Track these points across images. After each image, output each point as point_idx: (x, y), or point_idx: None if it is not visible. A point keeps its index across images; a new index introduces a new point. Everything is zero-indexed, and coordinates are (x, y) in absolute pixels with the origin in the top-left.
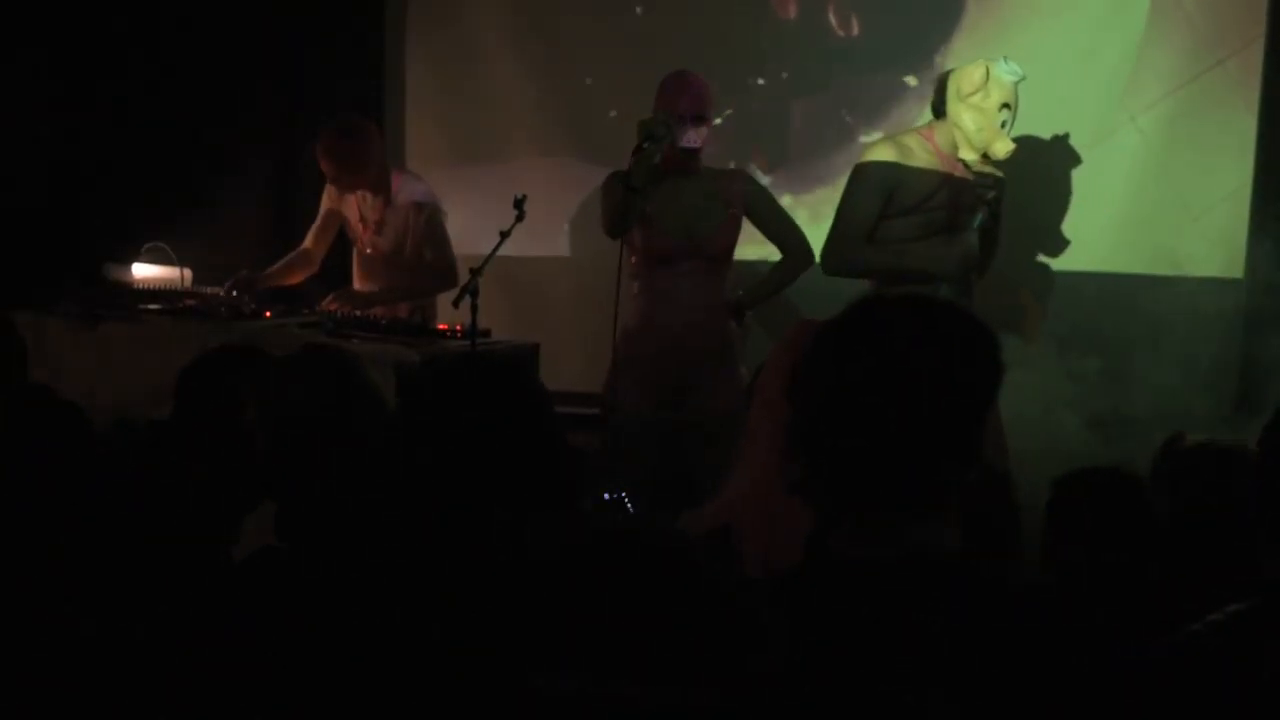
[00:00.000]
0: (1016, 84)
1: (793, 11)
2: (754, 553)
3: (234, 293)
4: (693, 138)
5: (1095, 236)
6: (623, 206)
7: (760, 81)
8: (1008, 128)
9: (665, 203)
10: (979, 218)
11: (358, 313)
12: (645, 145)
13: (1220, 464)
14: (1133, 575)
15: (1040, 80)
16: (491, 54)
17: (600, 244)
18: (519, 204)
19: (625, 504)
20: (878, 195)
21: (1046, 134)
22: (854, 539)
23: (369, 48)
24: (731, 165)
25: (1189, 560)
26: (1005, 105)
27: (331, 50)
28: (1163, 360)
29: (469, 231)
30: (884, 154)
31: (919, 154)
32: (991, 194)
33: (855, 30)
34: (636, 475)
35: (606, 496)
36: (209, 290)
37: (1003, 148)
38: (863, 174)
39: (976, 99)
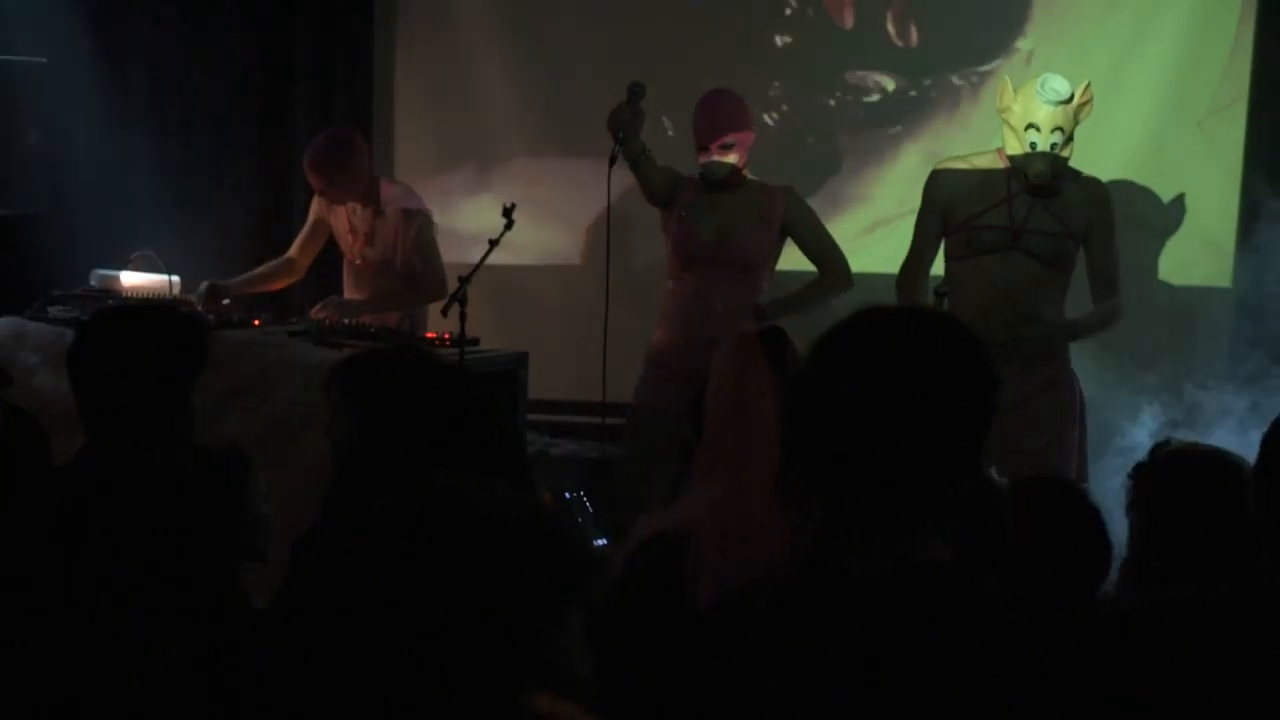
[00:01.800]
0: (1058, 104)
1: (849, 21)
2: (710, 568)
3: (201, 304)
4: (718, 157)
5: None
6: (645, 174)
7: (777, 92)
8: (1039, 149)
9: (701, 209)
10: (1053, 243)
11: (346, 321)
12: (619, 136)
13: (1198, 470)
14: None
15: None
16: (481, 62)
17: (591, 251)
18: (508, 213)
19: (584, 503)
20: (932, 214)
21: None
22: (849, 552)
23: (359, 56)
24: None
25: (1166, 567)
26: (1031, 125)
27: (322, 58)
28: (1150, 366)
29: (458, 239)
30: (939, 172)
31: (980, 171)
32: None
33: (914, 39)
34: (652, 473)
35: (566, 495)
36: (192, 298)
37: (1034, 170)
38: (923, 193)
39: (1006, 116)
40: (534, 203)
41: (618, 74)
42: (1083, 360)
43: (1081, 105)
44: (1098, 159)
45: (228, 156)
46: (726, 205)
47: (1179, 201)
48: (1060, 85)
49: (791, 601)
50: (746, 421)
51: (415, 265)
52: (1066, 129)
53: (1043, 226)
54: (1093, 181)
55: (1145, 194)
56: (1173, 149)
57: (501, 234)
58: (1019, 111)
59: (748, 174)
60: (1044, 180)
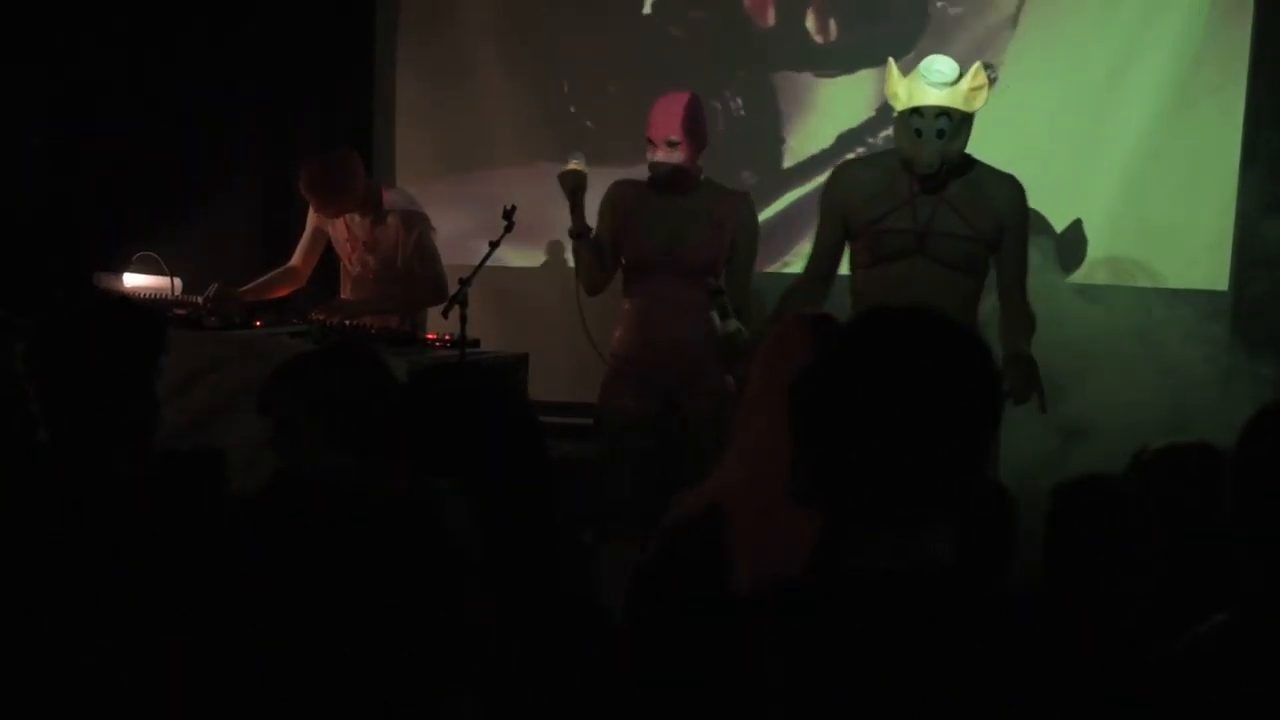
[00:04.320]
0: (944, 86)
1: (771, 19)
2: (744, 542)
3: (209, 306)
4: (655, 163)
5: (1083, 246)
6: (579, 257)
7: (740, 91)
8: (925, 137)
9: (651, 214)
10: (960, 247)
11: (347, 322)
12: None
13: (1189, 465)
14: (1128, 586)
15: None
16: (481, 65)
17: None
18: (508, 215)
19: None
20: (831, 220)
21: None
22: (859, 550)
23: (360, 59)
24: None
25: (1166, 568)
26: (916, 111)
27: (323, 61)
28: (1147, 371)
29: (459, 240)
30: (838, 172)
31: (880, 174)
32: None
33: (833, 34)
34: (630, 479)
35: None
36: (198, 299)
37: (919, 161)
38: (821, 197)
39: (894, 103)
40: (535, 204)
41: (615, 77)
42: (1078, 361)
43: (974, 90)
44: (1094, 164)
45: (230, 159)
46: (678, 209)
47: (1175, 205)
48: (945, 66)
49: (796, 599)
50: (778, 406)
51: (415, 270)
52: (955, 115)
53: (949, 229)
54: (1006, 180)
55: (1141, 198)
56: (1168, 153)
57: (502, 236)
58: (904, 97)
59: (704, 177)
60: (931, 171)
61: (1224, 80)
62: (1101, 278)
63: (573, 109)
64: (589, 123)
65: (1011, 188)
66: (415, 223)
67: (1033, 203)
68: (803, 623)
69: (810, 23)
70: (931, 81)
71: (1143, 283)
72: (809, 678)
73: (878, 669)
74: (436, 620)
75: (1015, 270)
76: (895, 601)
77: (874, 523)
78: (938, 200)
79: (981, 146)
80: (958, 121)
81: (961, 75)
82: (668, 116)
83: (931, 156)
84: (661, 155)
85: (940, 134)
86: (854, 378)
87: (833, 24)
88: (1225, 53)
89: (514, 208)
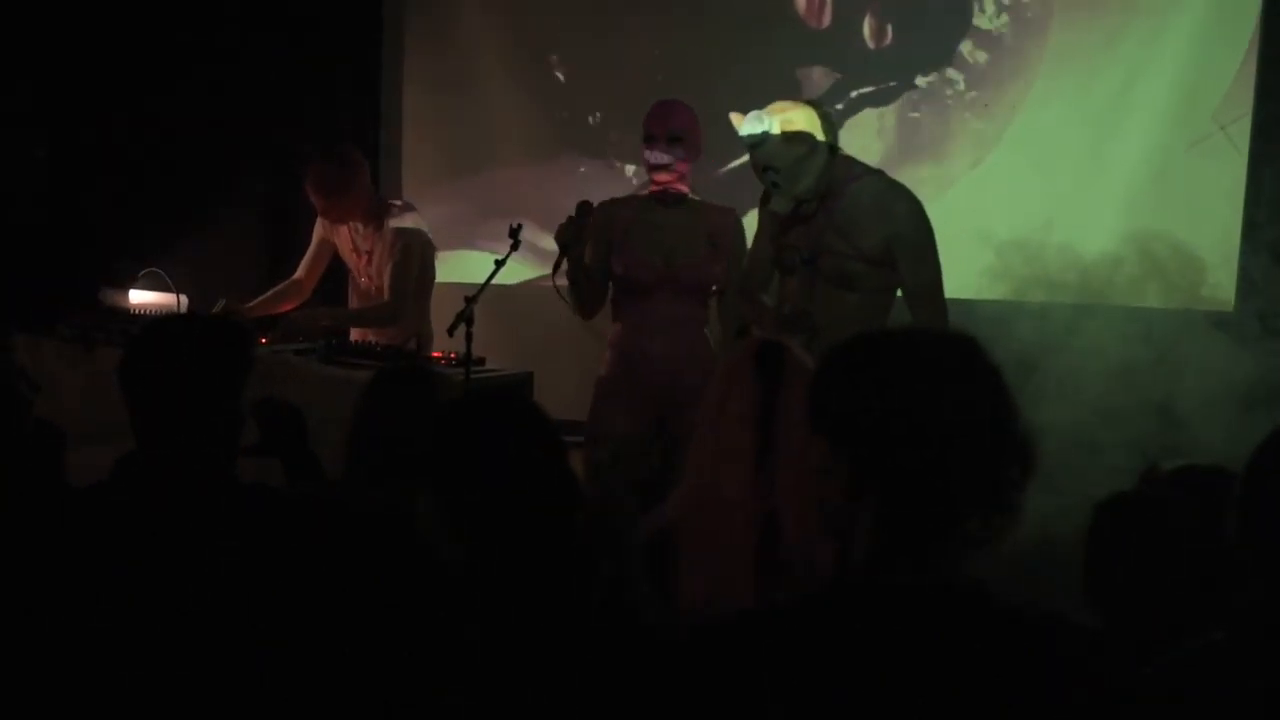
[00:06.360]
0: (753, 147)
1: (827, 20)
2: (690, 564)
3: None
4: (657, 156)
5: (1087, 266)
6: (570, 274)
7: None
8: (773, 186)
9: (648, 231)
10: (839, 264)
11: (354, 340)
12: (565, 248)
13: (1199, 487)
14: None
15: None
16: (487, 75)
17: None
18: (514, 234)
19: None
20: (768, 229)
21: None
22: (895, 566)
23: (366, 72)
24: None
25: (1170, 585)
26: (753, 165)
27: (329, 74)
28: (1151, 390)
29: (465, 256)
30: (764, 193)
31: None
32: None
33: (889, 39)
34: (617, 496)
35: None
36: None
37: (773, 204)
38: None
39: None
40: (542, 220)
41: (624, 87)
42: (1081, 381)
43: (790, 136)
44: (1100, 182)
45: (235, 175)
46: (674, 225)
47: (1181, 224)
48: (749, 127)
49: (829, 612)
50: (723, 431)
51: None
52: (780, 165)
53: (833, 248)
54: (897, 197)
55: (1147, 217)
56: (1174, 172)
57: (508, 254)
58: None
59: (691, 195)
60: (784, 212)
61: (1230, 99)
62: (1107, 297)
63: (583, 120)
64: (600, 133)
65: (898, 203)
66: (400, 238)
67: (1041, 219)
68: (835, 636)
69: (866, 28)
70: (745, 143)
71: (1149, 303)
72: (812, 694)
73: (884, 684)
74: (414, 631)
75: (914, 283)
76: (909, 618)
77: (928, 538)
78: (826, 222)
79: (989, 162)
80: (788, 168)
81: (765, 132)
82: (670, 112)
83: (779, 204)
84: (661, 149)
85: (775, 185)
86: (899, 396)
87: (889, 28)
88: (1231, 72)
89: (519, 226)
